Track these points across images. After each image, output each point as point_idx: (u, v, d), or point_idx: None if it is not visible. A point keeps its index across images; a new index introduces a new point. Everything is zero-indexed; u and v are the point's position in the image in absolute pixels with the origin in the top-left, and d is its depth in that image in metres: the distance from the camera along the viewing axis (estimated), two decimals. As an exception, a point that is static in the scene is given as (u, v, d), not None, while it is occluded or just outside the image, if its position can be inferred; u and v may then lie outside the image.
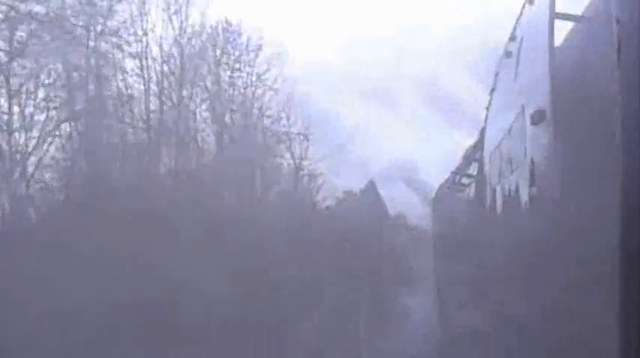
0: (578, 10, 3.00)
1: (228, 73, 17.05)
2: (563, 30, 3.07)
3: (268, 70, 18.32)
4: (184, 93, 15.24)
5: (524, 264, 3.62)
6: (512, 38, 4.13)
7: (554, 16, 2.54)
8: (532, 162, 2.92)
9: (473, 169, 9.57)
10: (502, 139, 4.17)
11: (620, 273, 1.66)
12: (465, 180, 10.97)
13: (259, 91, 18.92)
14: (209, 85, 15.89)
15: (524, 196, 3.19)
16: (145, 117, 14.37)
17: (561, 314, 2.86)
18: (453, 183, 12.93)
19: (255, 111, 18.45)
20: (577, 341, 2.60)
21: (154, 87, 14.56)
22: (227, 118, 17.11)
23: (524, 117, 3.10)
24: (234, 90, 17.88)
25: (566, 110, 2.46)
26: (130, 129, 14.09)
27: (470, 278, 6.89)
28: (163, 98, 14.85)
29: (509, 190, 3.83)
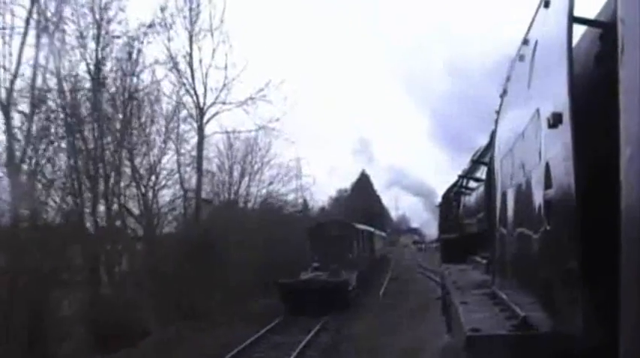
0: (592, 14, 3.06)
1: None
2: (578, 31, 3.12)
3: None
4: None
5: (532, 261, 3.67)
6: (526, 42, 4.16)
7: (572, 19, 2.58)
8: (547, 164, 2.96)
9: (481, 173, 9.60)
10: (515, 142, 4.20)
11: (622, 274, 1.70)
12: (472, 184, 11.00)
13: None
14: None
15: (538, 198, 3.23)
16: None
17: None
18: (460, 187, 12.97)
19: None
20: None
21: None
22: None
23: (539, 121, 3.13)
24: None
25: (583, 113, 2.50)
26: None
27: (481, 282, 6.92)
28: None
29: (522, 192, 3.87)
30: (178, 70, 27.02)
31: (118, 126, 23.06)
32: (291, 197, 35.98)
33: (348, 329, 20.26)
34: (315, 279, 24.74)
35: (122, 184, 23.50)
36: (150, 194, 24.56)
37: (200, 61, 27.66)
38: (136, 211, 24.16)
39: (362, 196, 55.41)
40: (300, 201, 38.37)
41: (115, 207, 22.98)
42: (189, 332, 19.52)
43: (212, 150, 30.11)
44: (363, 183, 57.81)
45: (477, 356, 3.96)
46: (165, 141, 25.37)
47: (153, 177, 24.90)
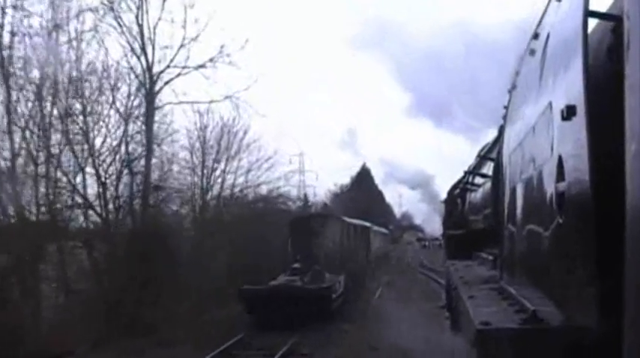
0: (601, 8, 3.06)
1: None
2: (590, 24, 3.11)
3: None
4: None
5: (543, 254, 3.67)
6: (536, 36, 4.16)
7: (588, 13, 2.58)
8: (560, 157, 2.96)
9: (487, 169, 9.58)
10: (525, 136, 4.21)
11: (626, 269, 1.70)
12: (478, 180, 10.98)
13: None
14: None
15: (550, 191, 3.23)
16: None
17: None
18: (466, 183, 12.95)
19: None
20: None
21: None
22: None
23: (551, 114, 3.14)
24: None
25: (596, 105, 2.51)
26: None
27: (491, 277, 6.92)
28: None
29: (533, 186, 3.87)
30: (121, 25, 20.79)
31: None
32: (290, 191, 32.05)
33: (326, 353, 14.97)
34: (288, 285, 19.41)
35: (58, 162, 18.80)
36: (108, 182, 20.02)
37: (147, 12, 21.59)
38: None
39: (363, 191, 52.85)
40: (293, 193, 34.83)
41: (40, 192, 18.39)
42: (123, 354, 15.15)
43: (182, 132, 24.45)
44: (364, 177, 55.42)
45: (486, 350, 3.96)
46: (127, 119, 20.36)
47: (111, 160, 20.20)
